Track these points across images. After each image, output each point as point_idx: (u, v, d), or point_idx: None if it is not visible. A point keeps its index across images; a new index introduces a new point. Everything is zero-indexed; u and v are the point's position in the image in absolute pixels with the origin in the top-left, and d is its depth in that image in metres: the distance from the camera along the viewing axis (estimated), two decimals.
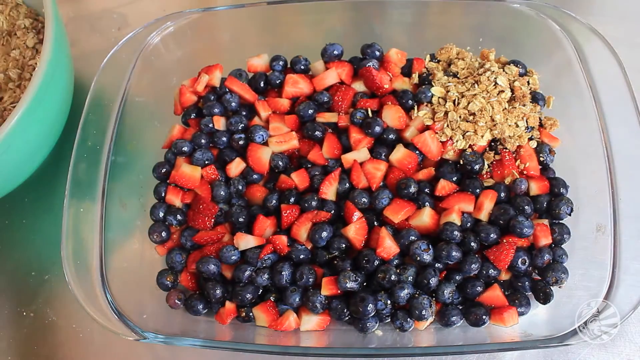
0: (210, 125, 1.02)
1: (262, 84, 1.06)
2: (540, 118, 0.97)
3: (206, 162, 0.99)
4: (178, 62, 1.08)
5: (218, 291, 0.89)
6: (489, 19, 1.10)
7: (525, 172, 0.93)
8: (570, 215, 0.89)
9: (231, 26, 1.15)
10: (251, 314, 0.89)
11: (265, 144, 0.99)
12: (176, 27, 1.09)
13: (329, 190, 0.94)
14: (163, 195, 0.98)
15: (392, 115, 0.96)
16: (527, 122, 0.95)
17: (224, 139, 1.01)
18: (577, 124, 0.96)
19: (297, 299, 0.87)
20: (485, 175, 0.94)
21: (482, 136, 0.93)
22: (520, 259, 0.86)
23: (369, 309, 0.83)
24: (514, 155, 0.94)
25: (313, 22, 1.08)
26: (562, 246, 0.90)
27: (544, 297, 0.86)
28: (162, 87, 1.09)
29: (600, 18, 1.25)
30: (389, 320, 0.88)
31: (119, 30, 1.33)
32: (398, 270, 0.86)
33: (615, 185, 0.88)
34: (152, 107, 1.08)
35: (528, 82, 0.99)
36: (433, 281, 0.85)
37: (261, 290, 0.91)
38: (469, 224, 0.89)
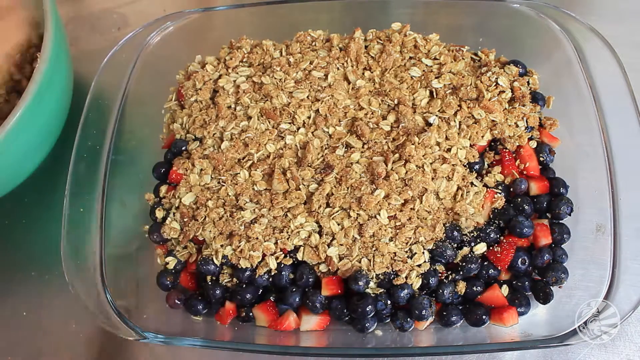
0: None
1: None
2: (540, 118, 0.97)
3: None
4: (178, 62, 1.08)
5: (218, 291, 0.89)
6: (489, 19, 1.10)
7: (525, 172, 0.93)
8: (570, 215, 0.89)
9: (231, 26, 1.15)
10: (251, 314, 0.89)
11: None
12: (176, 27, 1.09)
13: None
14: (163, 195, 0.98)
15: None
16: (527, 122, 0.95)
17: None
18: (577, 124, 0.96)
19: (297, 299, 0.87)
20: (485, 175, 0.94)
21: (482, 136, 0.93)
22: (520, 259, 0.86)
23: (368, 309, 0.83)
24: (514, 155, 0.94)
25: (313, 21, 1.08)
26: (562, 246, 0.90)
27: (544, 297, 0.86)
28: (162, 87, 1.09)
29: (600, 18, 1.25)
30: (389, 320, 0.88)
31: (119, 30, 1.33)
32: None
33: (615, 185, 0.88)
34: (152, 107, 1.08)
35: (528, 82, 0.99)
36: (433, 281, 0.85)
37: (261, 290, 0.91)
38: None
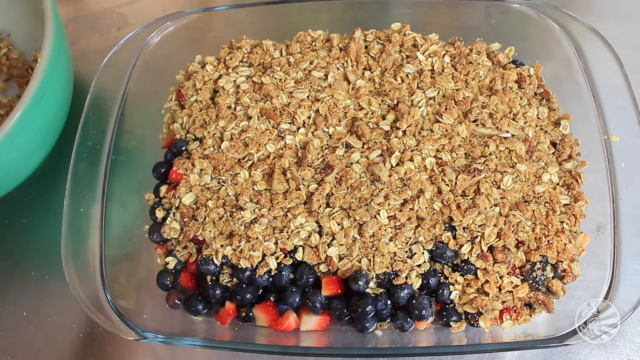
0: None
1: None
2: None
3: None
4: (178, 62, 1.08)
5: (218, 291, 0.89)
6: (488, 19, 1.10)
7: None
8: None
9: (231, 26, 1.15)
10: (251, 314, 0.89)
11: None
12: (176, 27, 1.09)
13: None
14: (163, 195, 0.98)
15: None
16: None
17: None
18: (577, 123, 0.96)
19: (297, 299, 0.87)
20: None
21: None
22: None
23: (368, 309, 0.83)
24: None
25: (313, 21, 1.08)
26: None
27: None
28: (162, 87, 1.09)
29: (600, 18, 1.25)
30: (389, 320, 0.88)
31: (119, 30, 1.33)
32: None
33: (615, 185, 0.88)
34: (152, 107, 1.08)
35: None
36: (433, 281, 0.85)
37: (261, 290, 0.91)
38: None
